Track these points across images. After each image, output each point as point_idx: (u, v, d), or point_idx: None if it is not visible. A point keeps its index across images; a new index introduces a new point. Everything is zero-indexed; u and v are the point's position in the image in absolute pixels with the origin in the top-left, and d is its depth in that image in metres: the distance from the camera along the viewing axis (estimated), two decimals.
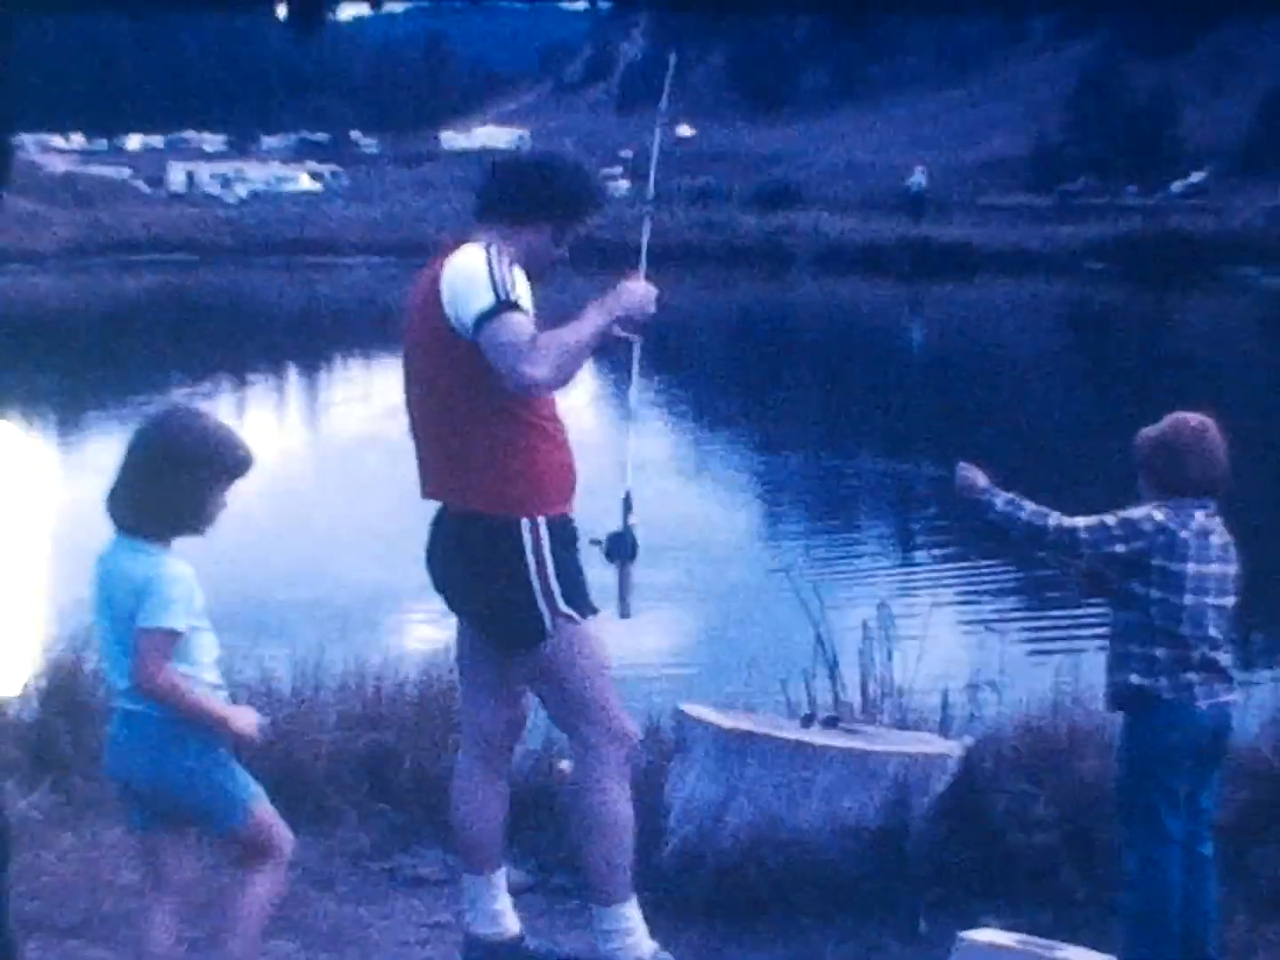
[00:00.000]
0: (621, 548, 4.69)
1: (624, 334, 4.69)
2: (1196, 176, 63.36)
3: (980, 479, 4.69)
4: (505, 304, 4.30)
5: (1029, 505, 4.60)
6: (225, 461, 3.99)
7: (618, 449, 5.39)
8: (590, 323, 4.43)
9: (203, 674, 4.02)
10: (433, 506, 4.60)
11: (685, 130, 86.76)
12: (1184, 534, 4.51)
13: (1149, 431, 4.66)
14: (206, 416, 4.17)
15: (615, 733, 4.52)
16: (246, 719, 4.06)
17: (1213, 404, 4.73)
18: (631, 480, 4.81)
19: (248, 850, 4.13)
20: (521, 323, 4.31)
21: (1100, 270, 41.49)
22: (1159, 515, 4.53)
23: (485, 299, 4.31)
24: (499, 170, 4.70)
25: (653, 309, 4.65)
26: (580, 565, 4.55)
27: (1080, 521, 4.55)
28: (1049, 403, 23.29)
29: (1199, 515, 4.55)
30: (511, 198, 4.59)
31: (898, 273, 41.44)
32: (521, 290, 4.38)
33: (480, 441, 4.38)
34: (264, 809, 4.14)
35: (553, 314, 4.49)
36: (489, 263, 4.36)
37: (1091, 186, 61.16)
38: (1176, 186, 61.84)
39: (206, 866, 4.75)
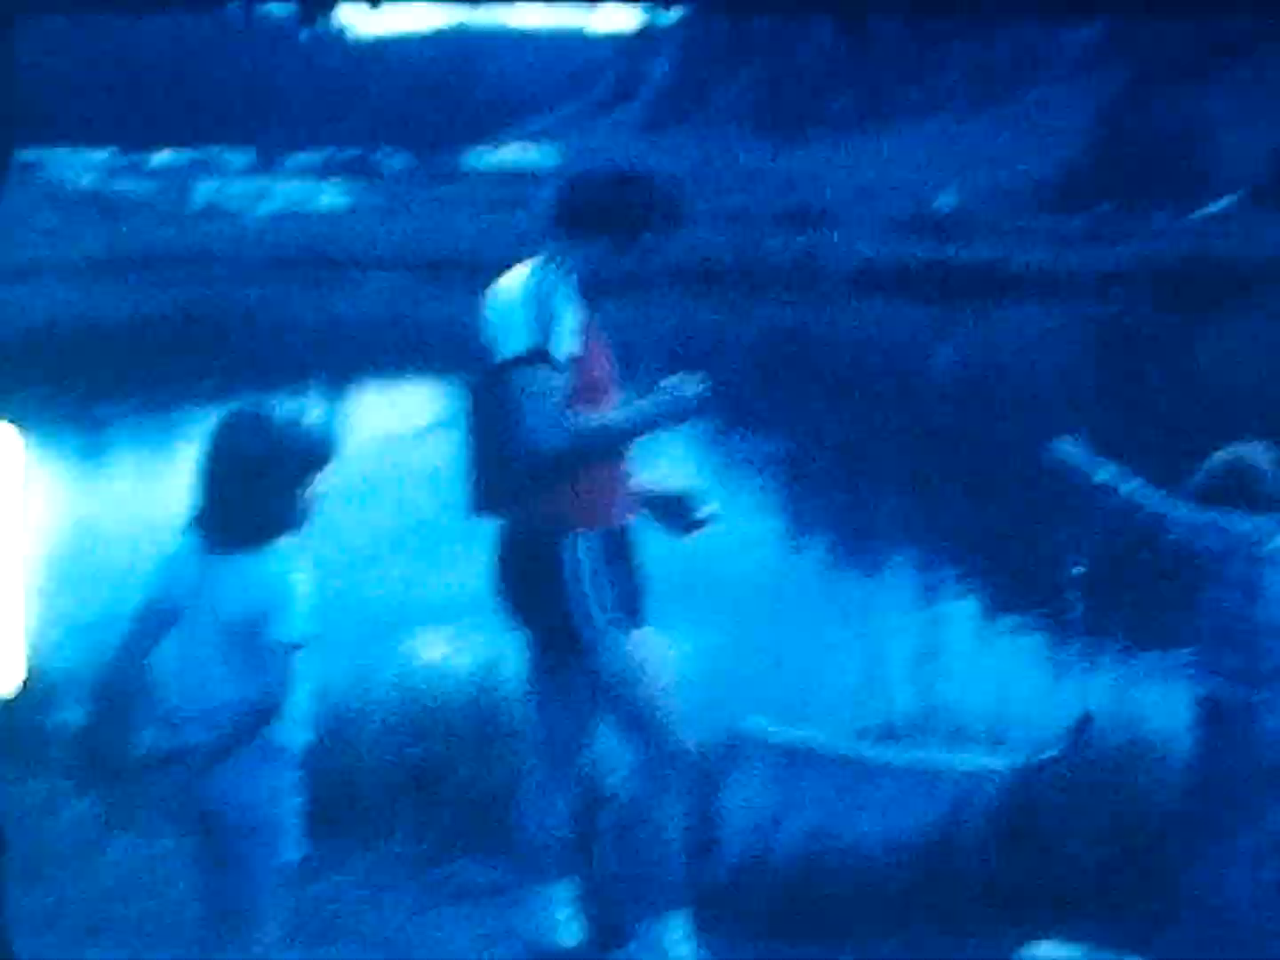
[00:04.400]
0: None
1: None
2: (1225, 202, 63.31)
3: (1084, 449, 4.75)
4: (539, 352, 4.22)
5: (1135, 480, 4.63)
6: (302, 454, 3.79)
7: None
8: (630, 420, 4.37)
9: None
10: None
11: None
12: (1270, 545, 4.51)
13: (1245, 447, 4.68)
14: (268, 413, 3.87)
15: (665, 747, 4.46)
16: None
17: (1242, 428, 4.74)
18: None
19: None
20: (552, 380, 4.22)
21: (1128, 293, 41.42)
22: (1249, 523, 4.53)
23: (520, 340, 4.25)
24: (573, 185, 4.63)
25: (695, 401, 4.43)
26: (631, 575, 4.48)
27: (1179, 507, 4.56)
28: (1075, 425, 23.20)
29: None
30: (574, 210, 4.51)
31: (925, 294, 41.44)
32: (564, 327, 4.27)
33: (522, 461, 4.32)
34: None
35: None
36: (534, 293, 4.28)
37: (1119, 210, 61.09)
38: (1204, 211, 61.77)
39: None
